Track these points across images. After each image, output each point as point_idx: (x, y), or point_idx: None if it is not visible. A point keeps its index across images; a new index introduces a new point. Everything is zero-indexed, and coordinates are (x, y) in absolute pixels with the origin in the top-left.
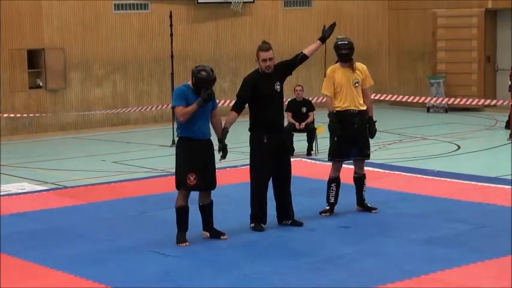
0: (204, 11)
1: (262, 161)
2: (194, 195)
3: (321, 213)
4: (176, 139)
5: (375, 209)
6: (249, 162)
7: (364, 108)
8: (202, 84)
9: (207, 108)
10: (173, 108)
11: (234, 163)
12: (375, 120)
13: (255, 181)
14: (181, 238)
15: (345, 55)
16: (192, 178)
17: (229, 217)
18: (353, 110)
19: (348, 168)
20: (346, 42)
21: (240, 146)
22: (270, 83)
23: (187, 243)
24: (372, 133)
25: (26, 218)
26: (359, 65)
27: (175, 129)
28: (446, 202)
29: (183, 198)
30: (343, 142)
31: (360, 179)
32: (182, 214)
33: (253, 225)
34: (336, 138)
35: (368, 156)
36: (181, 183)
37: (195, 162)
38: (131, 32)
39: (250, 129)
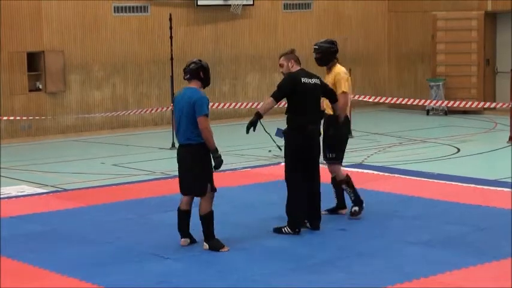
0: (203, 14)
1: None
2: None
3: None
4: (186, 143)
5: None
6: (250, 165)
7: (331, 113)
8: (209, 71)
9: None
10: (206, 115)
11: (233, 166)
12: (342, 120)
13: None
14: (220, 244)
15: (316, 59)
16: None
17: (229, 219)
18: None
19: (346, 170)
20: (317, 47)
21: (238, 148)
22: None
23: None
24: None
25: (26, 220)
26: (338, 68)
27: (174, 133)
28: (446, 205)
29: (211, 202)
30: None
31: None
32: (212, 219)
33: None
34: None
35: (331, 160)
36: (212, 186)
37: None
38: (131, 34)
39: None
